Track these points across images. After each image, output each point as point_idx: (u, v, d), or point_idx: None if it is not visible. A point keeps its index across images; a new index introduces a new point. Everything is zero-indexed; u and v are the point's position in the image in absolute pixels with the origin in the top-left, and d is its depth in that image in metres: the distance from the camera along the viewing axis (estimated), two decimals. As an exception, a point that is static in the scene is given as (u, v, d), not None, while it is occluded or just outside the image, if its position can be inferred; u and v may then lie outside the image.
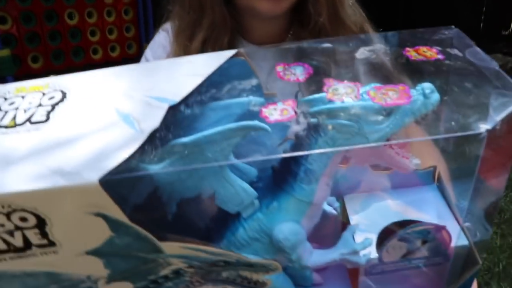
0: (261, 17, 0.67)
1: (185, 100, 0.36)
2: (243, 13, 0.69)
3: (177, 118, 0.36)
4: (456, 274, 0.46)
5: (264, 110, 0.34)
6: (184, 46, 0.66)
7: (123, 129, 0.34)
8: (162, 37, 0.74)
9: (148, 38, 3.61)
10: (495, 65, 0.35)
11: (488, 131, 0.30)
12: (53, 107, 0.38)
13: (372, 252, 0.44)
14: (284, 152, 0.40)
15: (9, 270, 0.37)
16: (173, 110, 0.36)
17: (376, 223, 0.47)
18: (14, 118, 0.37)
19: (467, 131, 0.30)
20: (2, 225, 0.33)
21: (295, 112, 0.34)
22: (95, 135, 0.34)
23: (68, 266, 0.37)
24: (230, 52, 0.41)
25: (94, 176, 0.30)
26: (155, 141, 0.34)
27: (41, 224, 0.33)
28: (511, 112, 0.31)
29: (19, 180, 0.32)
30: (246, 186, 0.40)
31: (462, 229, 0.46)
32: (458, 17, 3.39)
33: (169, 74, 0.40)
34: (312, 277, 0.51)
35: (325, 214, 0.49)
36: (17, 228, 0.33)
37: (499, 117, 0.30)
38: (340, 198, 0.51)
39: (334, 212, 0.49)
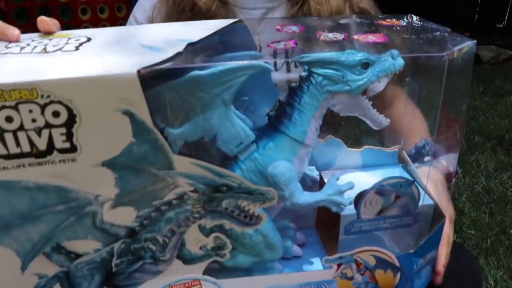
0: None
1: (202, 41, 0.43)
2: None
3: (196, 51, 0.42)
4: (426, 228, 0.52)
5: (270, 44, 0.42)
6: None
7: (151, 53, 0.40)
8: None
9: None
10: (447, 29, 0.45)
11: (448, 55, 0.39)
12: (81, 44, 0.43)
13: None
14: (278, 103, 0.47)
15: (23, 181, 0.39)
16: (192, 46, 0.42)
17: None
18: (45, 48, 0.42)
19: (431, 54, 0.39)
20: (34, 120, 0.37)
21: (296, 43, 0.41)
22: (128, 56, 0.40)
23: (81, 180, 0.40)
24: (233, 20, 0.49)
25: (132, 70, 0.36)
26: (180, 60, 0.40)
27: (70, 122, 0.37)
28: (463, 47, 0.40)
29: (64, 73, 0.36)
30: (246, 127, 0.45)
31: (426, 192, 0.53)
32: (454, 9, 3.44)
33: (184, 28, 0.47)
34: (292, 249, 0.55)
35: (309, 178, 0.55)
36: (47, 125, 0.37)
37: (456, 47, 0.39)
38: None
39: (317, 177, 0.55)
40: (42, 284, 0.46)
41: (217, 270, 0.49)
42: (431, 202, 0.53)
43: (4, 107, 0.36)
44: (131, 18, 0.78)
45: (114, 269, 0.46)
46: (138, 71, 0.36)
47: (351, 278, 0.51)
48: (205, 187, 0.43)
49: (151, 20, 0.73)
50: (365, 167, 0.59)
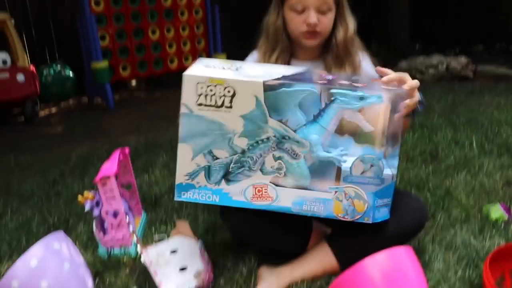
0: (304, 47, 1.42)
1: (290, 75, 1.07)
2: (296, 44, 1.44)
3: (286, 78, 1.06)
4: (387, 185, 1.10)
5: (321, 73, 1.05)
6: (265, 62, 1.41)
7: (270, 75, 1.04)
8: (251, 58, 1.50)
9: (216, 48, 4.59)
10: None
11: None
12: (237, 68, 1.09)
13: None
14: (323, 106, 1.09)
15: (208, 117, 1.04)
16: (284, 77, 1.06)
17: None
18: (230, 67, 1.08)
19: None
20: (220, 92, 1.02)
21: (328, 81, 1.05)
22: (258, 75, 1.05)
23: (230, 121, 1.04)
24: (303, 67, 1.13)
25: (261, 80, 1.00)
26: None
27: (233, 96, 1.02)
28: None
29: (234, 76, 1.01)
30: (302, 117, 1.07)
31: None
32: None
33: (280, 68, 1.12)
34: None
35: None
36: (224, 95, 1.02)
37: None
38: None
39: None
40: (197, 169, 1.09)
41: (275, 184, 1.10)
42: (390, 172, 1.11)
43: (209, 85, 1.01)
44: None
45: (230, 170, 1.09)
46: (263, 82, 1.00)
47: (341, 201, 1.09)
48: (279, 135, 1.05)
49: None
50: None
